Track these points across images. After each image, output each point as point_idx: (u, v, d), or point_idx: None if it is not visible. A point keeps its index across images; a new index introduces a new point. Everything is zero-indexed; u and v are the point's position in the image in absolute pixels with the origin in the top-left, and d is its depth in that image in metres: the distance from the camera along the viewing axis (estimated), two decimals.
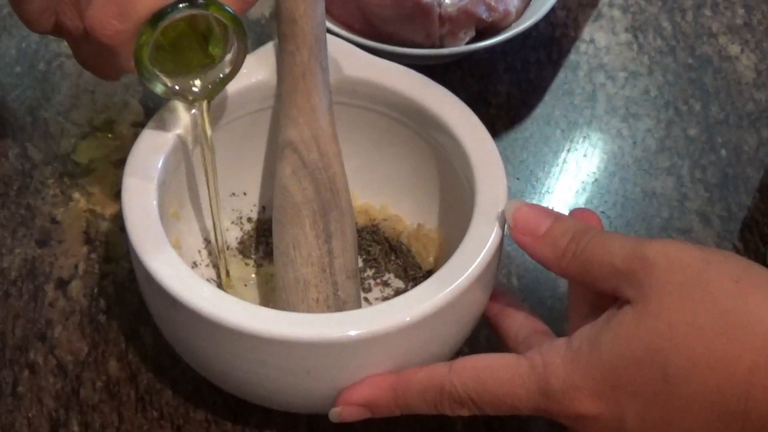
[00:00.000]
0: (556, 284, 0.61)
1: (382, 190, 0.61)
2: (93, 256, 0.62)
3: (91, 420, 0.55)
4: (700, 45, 0.76)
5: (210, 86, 0.52)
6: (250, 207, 0.62)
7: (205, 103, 0.52)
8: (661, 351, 0.43)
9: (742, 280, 0.44)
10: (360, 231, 0.61)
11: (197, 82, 0.52)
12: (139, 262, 0.50)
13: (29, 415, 0.55)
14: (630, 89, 0.73)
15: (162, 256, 0.49)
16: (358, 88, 0.58)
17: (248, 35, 0.51)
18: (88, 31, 0.47)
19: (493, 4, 0.69)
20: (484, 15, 0.69)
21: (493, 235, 0.51)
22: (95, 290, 0.60)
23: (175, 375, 0.57)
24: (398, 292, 0.59)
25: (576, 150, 0.69)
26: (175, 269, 0.49)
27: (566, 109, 0.72)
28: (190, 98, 0.52)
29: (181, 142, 0.55)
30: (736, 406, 0.42)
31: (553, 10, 0.72)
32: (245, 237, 0.61)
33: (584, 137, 0.70)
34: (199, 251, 0.59)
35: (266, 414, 0.55)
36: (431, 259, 0.60)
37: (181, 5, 0.48)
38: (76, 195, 0.65)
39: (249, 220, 0.62)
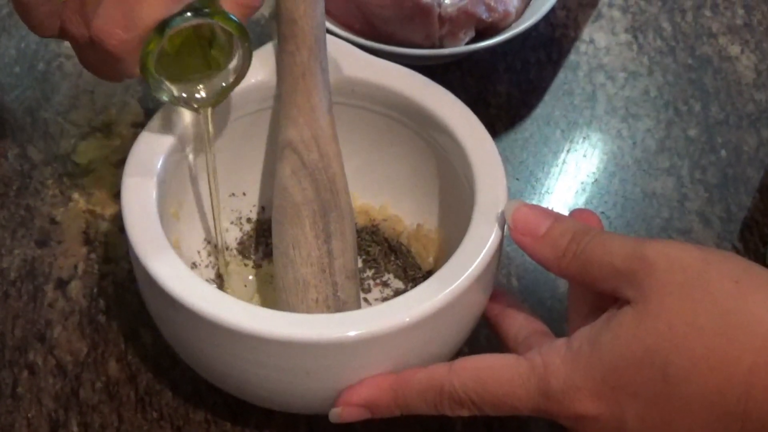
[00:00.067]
0: (556, 285, 0.61)
1: (382, 191, 0.61)
2: (92, 256, 0.62)
3: (91, 420, 0.55)
4: (700, 45, 0.76)
5: (215, 93, 0.52)
6: (249, 207, 0.62)
7: (209, 110, 0.53)
8: (661, 351, 0.43)
9: (742, 280, 0.44)
10: (360, 231, 0.61)
11: (202, 89, 0.52)
12: (139, 263, 0.50)
13: (29, 415, 0.55)
14: (630, 90, 0.73)
15: (162, 257, 0.49)
16: (358, 89, 0.58)
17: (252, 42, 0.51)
18: (93, 40, 0.47)
19: (492, 4, 0.69)
20: (484, 15, 0.69)
21: (493, 235, 0.51)
22: (95, 291, 0.60)
23: (174, 375, 0.57)
24: (398, 293, 0.59)
25: (576, 150, 0.69)
26: (175, 270, 0.49)
27: (566, 109, 0.72)
28: (195, 105, 0.52)
29: (181, 142, 0.55)
30: (736, 407, 0.42)
31: (552, 10, 0.72)
32: (245, 237, 0.61)
33: (584, 138, 0.70)
34: (199, 252, 0.59)
35: (266, 415, 0.55)
36: (431, 259, 0.60)
37: (187, 14, 0.48)
38: (76, 195, 0.65)
39: (248, 220, 0.62)
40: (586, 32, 0.77)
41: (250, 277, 0.60)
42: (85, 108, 0.70)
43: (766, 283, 0.44)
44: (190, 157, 0.56)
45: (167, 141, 0.54)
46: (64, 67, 0.72)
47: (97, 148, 0.68)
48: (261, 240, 0.61)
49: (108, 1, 0.47)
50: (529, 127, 0.71)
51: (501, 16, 0.69)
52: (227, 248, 0.60)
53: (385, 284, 0.59)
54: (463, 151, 0.55)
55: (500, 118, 0.71)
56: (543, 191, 0.67)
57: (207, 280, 0.57)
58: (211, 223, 0.59)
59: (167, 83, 0.51)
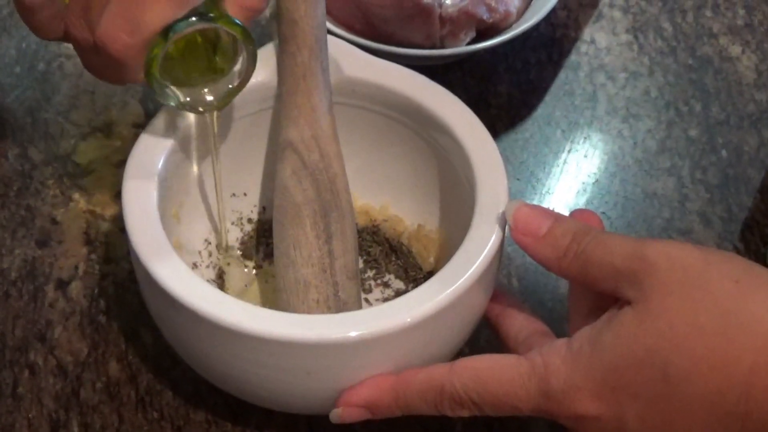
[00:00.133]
0: (557, 285, 0.61)
1: (383, 191, 0.61)
2: (93, 256, 0.62)
3: (91, 421, 0.55)
4: (701, 46, 0.76)
5: (219, 97, 0.52)
6: (250, 208, 0.62)
7: (215, 113, 0.53)
8: (661, 351, 0.43)
9: (742, 280, 0.44)
10: (360, 232, 0.61)
11: (206, 93, 0.52)
12: (140, 263, 0.50)
13: (29, 416, 0.55)
14: (631, 90, 0.73)
15: (162, 257, 0.49)
16: (358, 89, 0.58)
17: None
18: (97, 44, 0.47)
19: (493, 4, 0.69)
20: (485, 16, 0.69)
21: (494, 235, 0.51)
22: (95, 291, 0.60)
23: (175, 376, 0.57)
24: (399, 293, 0.59)
25: (576, 151, 0.69)
26: (176, 270, 0.49)
27: (567, 109, 0.72)
28: (200, 109, 0.52)
29: (182, 143, 0.55)
30: (737, 407, 0.42)
31: (553, 10, 0.72)
32: (246, 238, 0.61)
33: (585, 138, 0.70)
34: (200, 252, 0.59)
35: (266, 415, 0.55)
36: (432, 259, 0.60)
37: (191, 19, 0.48)
38: (76, 196, 0.65)
39: (249, 220, 0.62)
40: (587, 32, 0.77)
41: (251, 277, 0.60)
42: (85, 108, 0.70)
43: (767, 283, 0.44)
44: (191, 157, 0.56)
45: (168, 141, 0.54)
46: (64, 68, 0.72)
47: (98, 148, 0.68)
48: (262, 240, 0.61)
49: (112, 5, 0.47)
50: (529, 127, 0.71)
51: (502, 16, 0.69)
52: (228, 248, 0.60)
53: (386, 285, 0.59)
54: (463, 151, 0.55)
55: (501, 118, 0.71)
56: (544, 191, 0.67)
57: (207, 281, 0.57)
58: (212, 223, 0.59)
59: (171, 87, 0.51)
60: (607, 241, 0.47)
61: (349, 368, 0.49)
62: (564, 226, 0.48)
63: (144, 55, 0.48)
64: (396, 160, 0.60)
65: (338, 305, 0.53)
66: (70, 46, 0.50)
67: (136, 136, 0.54)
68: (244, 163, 0.60)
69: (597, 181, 0.68)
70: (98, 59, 0.49)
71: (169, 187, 0.54)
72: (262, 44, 0.57)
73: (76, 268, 0.61)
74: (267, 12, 0.54)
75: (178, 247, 0.56)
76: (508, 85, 0.73)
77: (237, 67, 0.52)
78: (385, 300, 0.59)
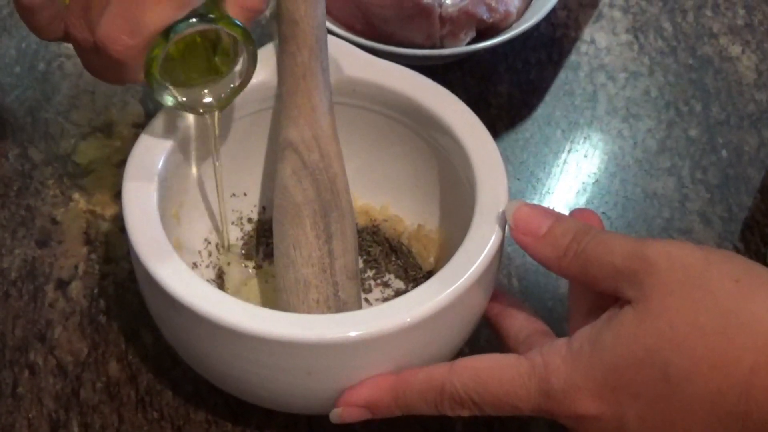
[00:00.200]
0: (557, 285, 0.61)
1: (383, 191, 0.61)
2: (93, 256, 0.62)
3: (92, 421, 0.55)
4: (701, 46, 0.76)
5: (219, 98, 0.52)
6: (250, 207, 0.62)
7: (216, 114, 0.53)
8: (661, 351, 0.43)
9: (742, 280, 0.44)
10: (360, 232, 0.61)
11: (206, 94, 0.52)
12: (140, 263, 0.50)
13: (29, 416, 0.55)
14: (631, 90, 0.73)
15: (162, 257, 0.49)
16: (359, 89, 0.58)
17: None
18: (98, 45, 0.47)
19: (493, 4, 0.69)
20: (485, 15, 0.68)
21: (494, 235, 0.51)
22: (95, 291, 0.60)
23: (175, 376, 0.57)
24: (399, 293, 0.59)
25: (577, 151, 0.69)
26: (176, 270, 0.49)
27: (567, 109, 0.72)
28: (200, 110, 0.52)
29: (182, 143, 0.55)
30: (737, 407, 0.42)
31: (553, 10, 0.72)
32: (246, 238, 0.61)
33: (585, 138, 0.70)
34: (200, 252, 0.59)
35: (267, 415, 0.55)
36: (432, 259, 0.60)
37: (192, 20, 0.48)
38: (76, 196, 0.65)
39: (249, 220, 0.62)
40: (587, 32, 0.77)
41: (251, 277, 0.60)
42: (85, 108, 0.70)
43: (767, 283, 0.44)
44: (191, 157, 0.56)
45: (168, 141, 0.54)
46: (64, 67, 0.72)
47: (98, 148, 0.68)
48: (262, 240, 0.61)
49: (113, 6, 0.47)
50: (530, 127, 0.70)
51: (502, 16, 0.69)
52: (228, 248, 0.60)
53: (386, 284, 0.59)
54: (464, 151, 0.55)
55: (501, 118, 0.71)
56: (544, 191, 0.67)
57: (207, 281, 0.57)
58: (212, 223, 0.59)
59: (171, 88, 0.51)
60: (607, 241, 0.47)
61: (349, 368, 0.49)
62: (564, 226, 0.48)
63: (144, 56, 0.48)
64: (396, 160, 0.60)
65: (338, 305, 0.53)
66: (71, 45, 0.50)
67: (136, 136, 0.54)
68: (244, 162, 0.60)
69: (597, 181, 0.68)
70: (98, 60, 0.49)
71: (169, 186, 0.54)
72: (262, 44, 0.57)
73: (76, 268, 0.61)
74: (267, 12, 0.53)
75: (178, 247, 0.56)
76: (509, 85, 0.73)
77: (237, 67, 0.52)
78: (385, 300, 0.59)
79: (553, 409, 0.46)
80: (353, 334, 0.47)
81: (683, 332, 0.43)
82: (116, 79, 0.51)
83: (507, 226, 0.50)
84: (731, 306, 0.43)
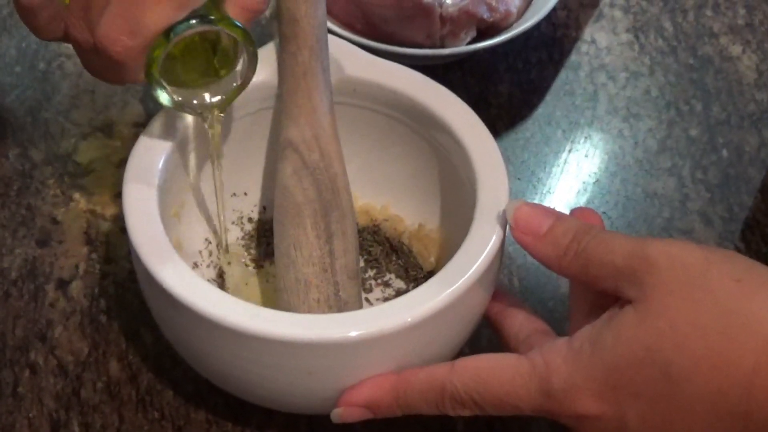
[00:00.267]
0: (557, 285, 0.61)
1: (383, 191, 0.61)
2: (93, 256, 0.62)
3: (92, 421, 0.55)
4: (702, 45, 0.76)
5: (219, 99, 0.52)
6: (250, 207, 0.62)
7: (216, 115, 0.53)
8: (662, 351, 0.43)
9: (743, 279, 0.44)
10: (361, 231, 0.61)
11: (207, 95, 0.52)
12: (140, 263, 0.50)
13: (30, 415, 0.55)
14: (631, 89, 0.73)
15: (163, 257, 0.49)
16: (359, 88, 0.58)
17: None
18: (97, 46, 0.47)
19: (494, 4, 0.69)
20: (486, 15, 0.68)
21: (495, 235, 0.51)
22: (96, 291, 0.60)
23: (175, 375, 0.57)
24: (399, 293, 0.59)
25: (577, 150, 0.69)
26: (176, 270, 0.49)
27: (567, 109, 0.72)
28: (200, 111, 0.52)
29: (182, 142, 0.55)
30: (738, 407, 0.42)
31: (554, 10, 0.72)
32: (246, 237, 0.61)
33: (585, 137, 0.70)
34: (200, 252, 0.59)
35: (267, 415, 0.55)
36: (432, 259, 0.60)
37: (192, 21, 0.48)
38: (77, 195, 0.65)
39: (250, 220, 0.62)
40: (588, 32, 0.77)
41: (252, 276, 0.60)
42: (85, 108, 0.70)
43: None
44: (191, 157, 0.56)
45: (168, 141, 0.54)
46: (64, 67, 0.72)
47: (98, 147, 0.68)
48: (262, 240, 0.61)
49: (113, 6, 0.47)
50: (530, 127, 0.70)
51: (502, 15, 0.69)
52: (226, 250, 0.60)
53: (387, 284, 0.59)
54: (464, 151, 0.55)
55: (501, 118, 0.71)
56: (544, 191, 0.67)
57: (208, 280, 0.57)
58: (212, 223, 0.59)
59: (171, 89, 0.51)
60: (607, 240, 0.47)
61: (350, 368, 0.49)
62: (565, 225, 0.48)
63: (144, 57, 0.48)
64: (397, 159, 0.60)
65: (339, 305, 0.53)
66: (71, 45, 0.50)
67: (136, 136, 0.54)
68: (244, 162, 0.60)
69: (597, 180, 0.68)
70: (98, 60, 0.49)
71: (169, 186, 0.54)
72: (262, 44, 0.57)
73: (77, 267, 0.61)
74: (267, 12, 0.53)
75: (179, 247, 0.56)
76: (509, 85, 0.73)
77: (237, 68, 0.52)
78: (386, 299, 0.59)
79: (554, 408, 0.46)
80: (354, 333, 0.47)
81: (684, 332, 0.43)
82: (116, 80, 0.51)
83: (507, 226, 0.50)
84: (732, 306, 0.43)
